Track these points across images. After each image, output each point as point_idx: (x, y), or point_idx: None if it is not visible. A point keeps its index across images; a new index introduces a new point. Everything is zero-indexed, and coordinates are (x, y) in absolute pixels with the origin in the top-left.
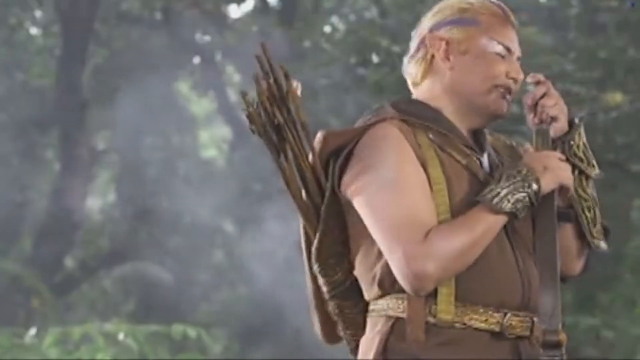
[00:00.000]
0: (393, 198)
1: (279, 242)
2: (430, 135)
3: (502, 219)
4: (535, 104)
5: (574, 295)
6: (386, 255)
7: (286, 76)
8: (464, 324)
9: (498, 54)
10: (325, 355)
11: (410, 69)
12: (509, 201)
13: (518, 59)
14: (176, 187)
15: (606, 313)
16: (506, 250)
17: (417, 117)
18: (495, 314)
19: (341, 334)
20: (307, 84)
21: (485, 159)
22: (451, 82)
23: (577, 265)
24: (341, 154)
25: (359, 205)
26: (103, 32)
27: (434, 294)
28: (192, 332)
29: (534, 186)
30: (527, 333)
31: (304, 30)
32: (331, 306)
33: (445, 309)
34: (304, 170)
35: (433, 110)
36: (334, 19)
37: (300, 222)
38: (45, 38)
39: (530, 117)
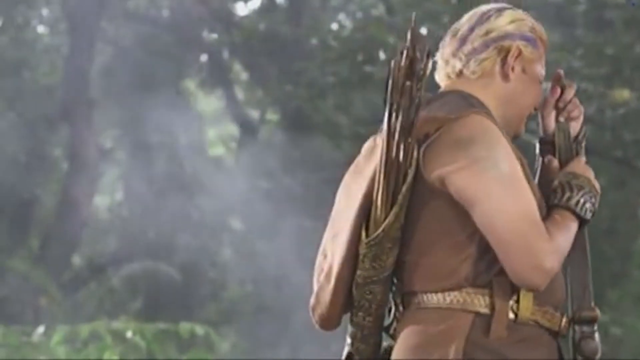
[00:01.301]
0: (515, 194)
1: (287, 241)
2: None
3: (576, 225)
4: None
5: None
6: (509, 250)
7: (428, 55)
8: (536, 322)
9: (541, 83)
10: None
11: (460, 65)
12: (587, 209)
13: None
14: (184, 185)
15: (615, 310)
16: None
17: (490, 113)
18: (557, 314)
19: (355, 318)
20: (314, 81)
21: None
22: (505, 93)
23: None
24: (425, 142)
25: (473, 198)
26: (110, 30)
27: (515, 291)
28: (200, 330)
29: (596, 198)
30: (565, 333)
31: (311, 28)
32: (363, 290)
33: (526, 307)
34: (400, 151)
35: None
36: (341, 16)
37: (355, 208)
38: (52, 36)
39: (552, 115)
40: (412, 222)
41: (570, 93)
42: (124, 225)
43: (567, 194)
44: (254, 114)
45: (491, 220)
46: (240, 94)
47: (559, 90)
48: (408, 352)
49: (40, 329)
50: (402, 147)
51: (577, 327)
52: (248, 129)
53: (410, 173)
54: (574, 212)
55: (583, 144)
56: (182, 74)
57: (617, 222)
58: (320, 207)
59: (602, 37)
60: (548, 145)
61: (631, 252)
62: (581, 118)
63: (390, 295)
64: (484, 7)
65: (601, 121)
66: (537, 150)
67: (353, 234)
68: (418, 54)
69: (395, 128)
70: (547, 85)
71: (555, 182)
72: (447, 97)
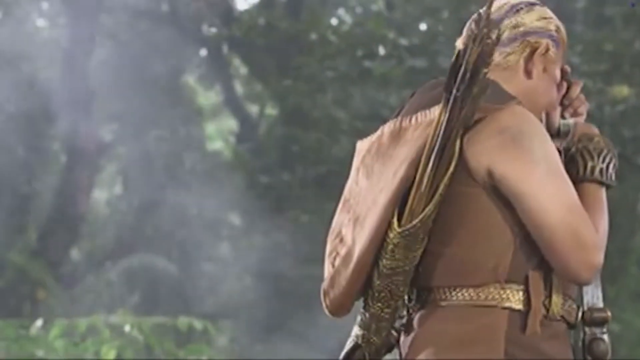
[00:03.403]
0: (563, 188)
1: (285, 235)
2: None
3: (604, 194)
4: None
5: (579, 288)
6: (560, 246)
7: (497, 40)
8: (562, 316)
9: (557, 86)
10: (332, 344)
11: (497, 57)
12: (612, 174)
13: None
14: (182, 179)
15: (612, 306)
16: None
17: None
18: (575, 307)
19: (372, 310)
20: (313, 76)
21: None
22: (525, 89)
23: None
24: (468, 130)
25: (524, 191)
26: (109, 24)
27: (548, 286)
28: (198, 324)
29: (614, 155)
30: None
31: (310, 23)
32: (386, 282)
33: (557, 302)
34: (456, 141)
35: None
36: (341, 11)
37: (386, 198)
38: (51, 30)
39: (558, 111)
40: (446, 213)
41: (576, 90)
42: (122, 219)
43: (590, 163)
44: (253, 108)
45: (543, 216)
46: (239, 88)
47: (565, 87)
48: (439, 351)
49: (38, 323)
50: (458, 136)
51: (587, 329)
52: (247, 123)
53: (453, 162)
54: (600, 182)
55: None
56: (181, 68)
57: (616, 218)
58: (319, 202)
59: (601, 33)
60: (553, 141)
61: (629, 248)
62: (585, 114)
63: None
64: (514, 0)
65: (600, 117)
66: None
67: (383, 220)
68: (493, 39)
69: (457, 117)
70: None
71: (573, 149)
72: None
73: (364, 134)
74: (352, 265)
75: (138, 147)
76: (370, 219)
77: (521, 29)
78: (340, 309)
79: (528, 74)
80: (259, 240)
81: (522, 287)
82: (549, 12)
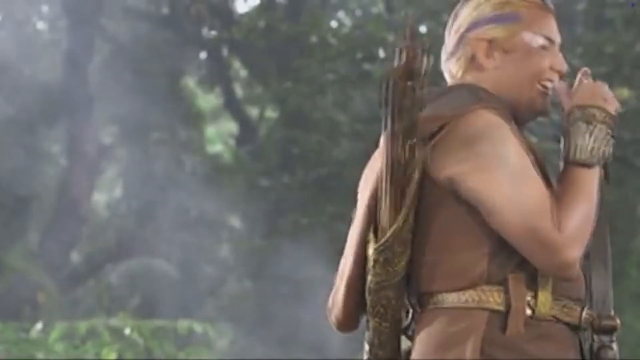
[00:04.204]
0: (524, 189)
1: (285, 237)
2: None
3: (597, 172)
4: None
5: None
6: (524, 248)
7: (427, 53)
8: (554, 317)
9: (542, 47)
10: (328, 349)
11: (450, 66)
12: (604, 152)
13: (560, 46)
14: (182, 182)
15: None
16: None
17: (499, 105)
18: (577, 308)
19: (371, 324)
20: (313, 79)
21: None
22: (497, 81)
23: None
24: (431, 140)
25: (482, 197)
26: (109, 27)
27: (531, 287)
28: (198, 327)
29: (612, 126)
30: (587, 326)
31: (310, 25)
32: (378, 297)
33: (543, 302)
34: (405, 152)
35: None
36: (341, 14)
37: (362, 215)
38: (51, 32)
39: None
40: (425, 222)
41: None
42: (122, 222)
43: (576, 142)
44: (253, 111)
45: (502, 219)
46: (239, 91)
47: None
48: (426, 352)
49: (39, 326)
50: (406, 148)
51: (595, 336)
52: (247, 126)
53: (417, 174)
54: (583, 164)
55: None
56: (181, 71)
57: (616, 221)
58: (319, 205)
59: (601, 35)
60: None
61: (629, 250)
62: None
63: (406, 297)
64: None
65: None
66: (561, 145)
67: (362, 236)
68: (418, 52)
69: (397, 130)
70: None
71: (565, 125)
72: (454, 92)
73: (364, 137)
74: (344, 282)
75: (138, 150)
76: (354, 234)
77: (461, 30)
78: (344, 325)
79: (480, 69)
80: (259, 243)
81: (503, 288)
82: None
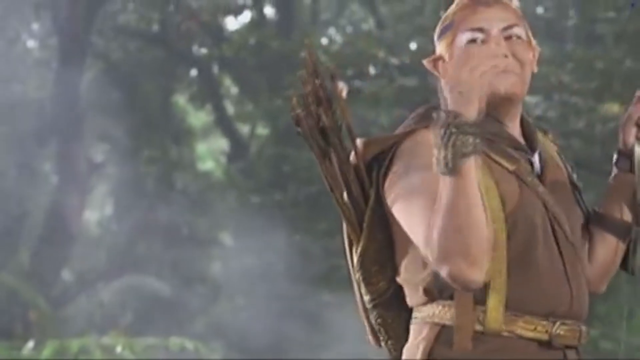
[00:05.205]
0: (413, 209)
1: (277, 254)
2: None
3: (453, 180)
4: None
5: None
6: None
7: (332, 78)
8: (512, 332)
9: (472, 41)
10: None
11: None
12: (448, 162)
13: (508, 28)
14: (173, 199)
15: (604, 324)
16: (555, 258)
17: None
18: (544, 323)
19: (382, 344)
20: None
21: (536, 158)
22: (450, 89)
23: (604, 285)
24: (384, 160)
25: (396, 211)
26: (100, 45)
27: (483, 301)
28: (189, 345)
29: (455, 127)
30: (576, 342)
31: (301, 42)
32: (373, 316)
33: (494, 318)
34: (347, 175)
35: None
36: (331, 31)
37: (344, 231)
38: (42, 50)
39: (633, 131)
40: (396, 240)
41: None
42: (113, 239)
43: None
44: (244, 128)
45: (408, 233)
46: (230, 108)
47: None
48: None
49: (30, 344)
50: (338, 170)
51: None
52: (238, 143)
53: (372, 194)
54: (446, 172)
55: None
56: (172, 89)
57: None
58: (311, 222)
59: (592, 51)
60: (625, 158)
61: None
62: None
63: (405, 315)
64: None
65: (591, 135)
66: (614, 161)
67: (350, 259)
68: (317, 81)
69: (317, 153)
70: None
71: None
72: (418, 111)
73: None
74: (360, 306)
75: (129, 168)
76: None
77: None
78: (374, 341)
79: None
80: (251, 261)
81: (451, 302)
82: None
